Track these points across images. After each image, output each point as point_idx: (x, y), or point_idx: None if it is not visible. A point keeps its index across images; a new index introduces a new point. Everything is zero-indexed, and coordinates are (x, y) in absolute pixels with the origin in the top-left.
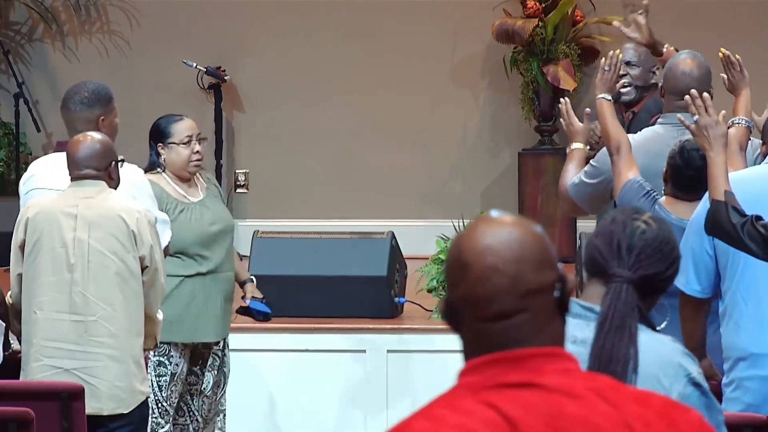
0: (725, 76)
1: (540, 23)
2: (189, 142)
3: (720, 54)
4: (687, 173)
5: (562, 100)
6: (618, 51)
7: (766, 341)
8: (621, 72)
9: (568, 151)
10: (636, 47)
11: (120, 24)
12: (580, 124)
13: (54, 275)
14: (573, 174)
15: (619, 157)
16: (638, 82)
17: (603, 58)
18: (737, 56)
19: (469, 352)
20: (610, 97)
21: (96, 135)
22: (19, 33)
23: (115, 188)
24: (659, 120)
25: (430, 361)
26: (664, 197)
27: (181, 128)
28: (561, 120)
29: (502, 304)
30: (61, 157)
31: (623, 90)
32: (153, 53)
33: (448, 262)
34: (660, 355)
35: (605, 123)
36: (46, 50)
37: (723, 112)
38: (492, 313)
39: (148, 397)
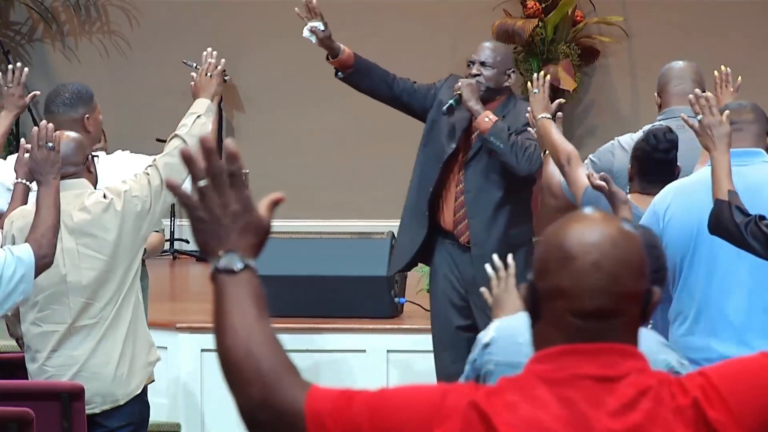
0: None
1: (540, 23)
2: None
3: (717, 72)
4: (655, 156)
5: (528, 108)
6: (543, 72)
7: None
8: (475, 71)
9: (543, 155)
10: (494, 48)
11: (120, 24)
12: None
13: (49, 288)
14: (559, 173)
15: (571, 168)
16: (490, 84)
17: (528, 83)
18: (739, 80)
19: (542, 341)
20: (549, 116)
21: (68, 133)
22: (19, 33)
23: (95, 181)
24: (657, 119)
25: (430, 361)
26: (630, 195)
27: None
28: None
29: (601, 301)
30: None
31: None
32: (153, 53)
33: (545, 250)
34: (647, 349)
35: (552, 139)
36: (46, 50)
37: (727, 111)
38: (589, 309)
39: (147, 400)
